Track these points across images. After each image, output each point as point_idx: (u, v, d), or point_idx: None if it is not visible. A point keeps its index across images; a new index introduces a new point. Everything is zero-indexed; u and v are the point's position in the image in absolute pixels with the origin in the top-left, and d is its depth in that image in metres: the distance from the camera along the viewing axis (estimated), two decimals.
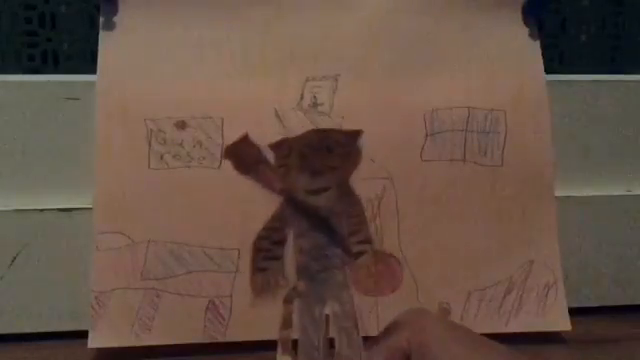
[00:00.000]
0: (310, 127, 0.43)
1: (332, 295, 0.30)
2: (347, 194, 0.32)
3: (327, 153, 0.32)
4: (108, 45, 0.43)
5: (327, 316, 0.29)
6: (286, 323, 0.30)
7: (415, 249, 0.43)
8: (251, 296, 0.30)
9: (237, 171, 0.31)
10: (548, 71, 0.46)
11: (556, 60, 0.53)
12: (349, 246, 0.31)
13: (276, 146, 0.31)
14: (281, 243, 0.31)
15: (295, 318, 0.29)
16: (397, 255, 0.43)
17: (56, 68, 0.48)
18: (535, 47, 0.46)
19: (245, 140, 0.31)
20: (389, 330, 0.31)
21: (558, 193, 0.45)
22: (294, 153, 0.31)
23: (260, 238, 0.31)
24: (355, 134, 0.33)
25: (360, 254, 0.31)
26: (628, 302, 0.49)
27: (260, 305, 0.30)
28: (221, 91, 0.43)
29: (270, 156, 0.31)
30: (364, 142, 0.43)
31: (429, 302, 0.43)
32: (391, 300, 0.43)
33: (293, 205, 0.31)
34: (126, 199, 0.41)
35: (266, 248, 0.31)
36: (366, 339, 0.29)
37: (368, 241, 0.31)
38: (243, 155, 0.31)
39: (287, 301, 0.29)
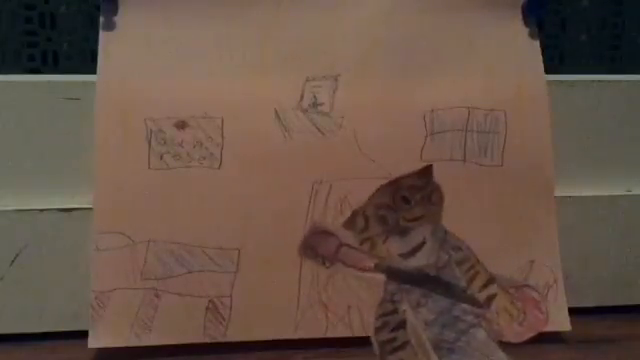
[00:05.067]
0: (310, 127, 0.43)
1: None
2: (445, 240, 0.28)
3: (406, 205, 0.27)
4: (108, 45, 0.43)
5: None
6: None
7: None
8: None
9: (321, 265, 0.27)
10: (548, 71, 0.46)
11: (556, 60, 0.53)
12: (474, 296, 0.26)
13: (349, 223, 0.27)
14: (402, 326, 0.26)
15: None
16: None
17: (56, 68, 0.48)
18: (535, 47, 0.46)
19: (315, 232, 0.28)
20: None
21: (558, 193, 0.45)
22: (371, 221, 0.27)
23: (378, 330, 0.27)
24: (426, 171, 0.29)
25: (490, 299, 0.26)
26: (628, 302, 0.49)
27: None
28: (221, 91, 0.43)
29: (347, 235, 0.27)
30: (362, 143, 0.43)
31: None
32: None
33: (395, 277, 0.27)
34: (126, 199, 0.41)
35: (388, 339, 0.26)
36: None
37: (491, 281, 0.27)
38: (319, 248, 0.28)
39: None
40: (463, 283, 0.26)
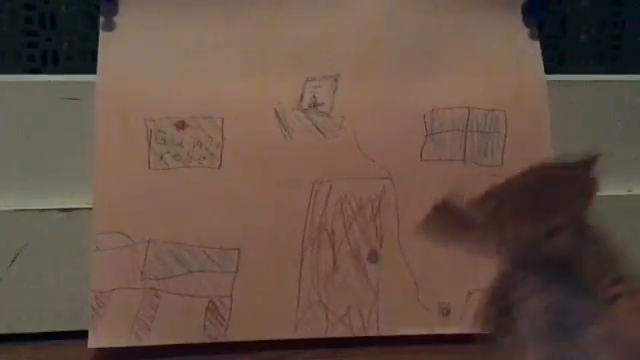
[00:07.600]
0: (311, 127, 0.43)
1: None
2: (585, 229, 0.25)
3: (553, 192, 0.25)
4: (108, 45, 0.43)
5: None
6: None
7: (415, 249, 0.43)
8: None
9: (441, 241, 0.26)
10: (548, 71, 0.46)
11: (556, 60, 0.53)
12: (598, 292, 0.24)
13: (481, 201, 0.25)
14: (508, 311, 0.24)
15: None
16: (397, 256, 0.43)
17: (56, 68, 0.48)
18: (535, 47, 0.46)
19: (442, 206, 0.26)
20: None
21: None
22: (505, 202, 0.25)
23: (483, 312, 0.25)
24: (590, 163, 0.26)
25: (615, 298, 0.24)
26: None
27: None
28: (221, 91, 0.43)
29: (475, 213, 0.25)
30: (362, 143, 0.43)
31: (429, 302, 0.43)
32: (391, 300, 0.43)
33: (518, 261, 0.25)
34: (126, 199, 0.41)
35: (493, 322, 0.25)
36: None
37: (620, 280, 0.24)
38: (444, 223, 0.26)
39: None
40: (590, 277, 0.24)
